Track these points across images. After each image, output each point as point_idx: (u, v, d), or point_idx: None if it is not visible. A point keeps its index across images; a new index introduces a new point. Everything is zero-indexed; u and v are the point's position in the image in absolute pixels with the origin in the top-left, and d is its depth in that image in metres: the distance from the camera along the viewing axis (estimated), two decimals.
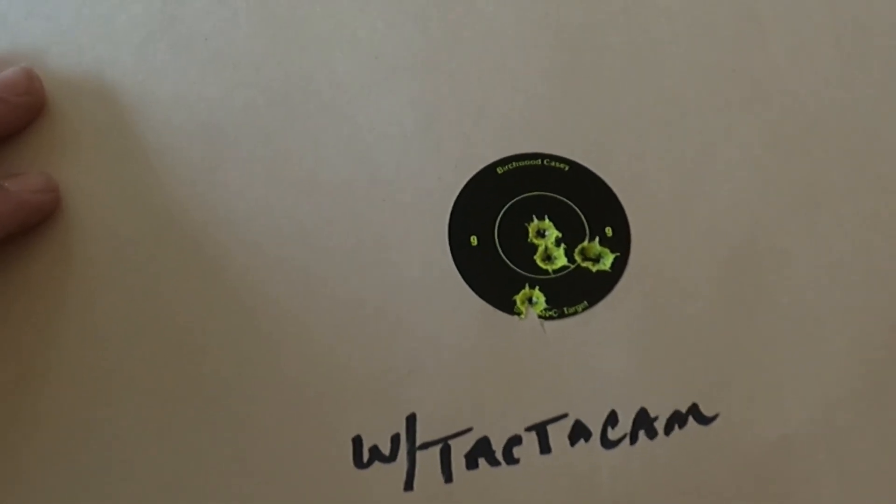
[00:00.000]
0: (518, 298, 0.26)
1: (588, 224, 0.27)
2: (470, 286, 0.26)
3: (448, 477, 0.24)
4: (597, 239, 0.26)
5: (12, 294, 0.25)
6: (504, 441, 0.24)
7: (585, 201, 0.27)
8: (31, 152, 0.26)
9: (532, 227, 0.26)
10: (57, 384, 0.24)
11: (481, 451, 0.24)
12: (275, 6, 0.29)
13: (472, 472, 0.24)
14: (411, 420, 0.24)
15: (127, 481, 0.23)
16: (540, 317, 0.25)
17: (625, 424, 0.24)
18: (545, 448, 0.24)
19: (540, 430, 0.24)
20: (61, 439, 0.23)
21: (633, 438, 0.24)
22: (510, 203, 0.27)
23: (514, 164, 0.27)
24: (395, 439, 0.24)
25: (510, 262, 0.26)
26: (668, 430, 0.24)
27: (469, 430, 0.24)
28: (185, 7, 0.28)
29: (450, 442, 0.24)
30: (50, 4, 0.28)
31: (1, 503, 0.23)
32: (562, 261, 0.26)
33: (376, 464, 0.24)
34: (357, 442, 0.24)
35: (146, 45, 0.28)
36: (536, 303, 0.26)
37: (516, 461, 0.24)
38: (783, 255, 0.26)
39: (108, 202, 0.26)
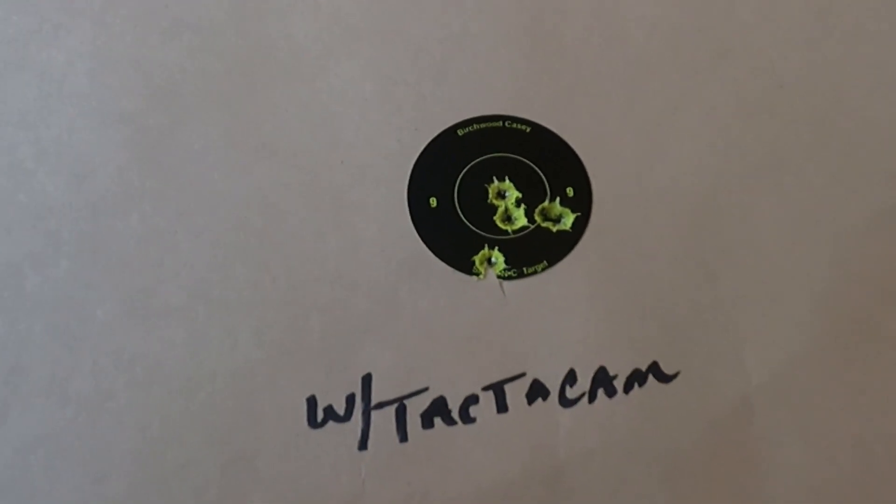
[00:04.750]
0: (477, 259, 0.25)
1: (549, 184, 0.26)
2: (428, 247, 0.25)
3: (403, 436, 0.23)
4: (557, 199, 0.26)
5: None
6: (460, 400, 0.24)
7: (547, 162, 0.26)
8: None
9: (492, 188, 0.26)
10: None
11: (437, 411, 0.23)
12: None
13: (428, 432, 0.23)
14: (367, 380, 0.24)
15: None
16: (499, 277, 0.25)
17: (583, 383, 0.24)
18: (502, 407, 0.24)
19: (497, 389, 0.24)
20: None
21: (592, 397, 0.24)
22: (470, 164, 0.26)
23: (475, 125, 0.27)
24: (350, 399, 0.23)
25: (469, 222, 0.26)
26: (627, 388, 0.24)
27: (425, 389, 0.24)
28: None
29: (405, 401, 0.24)
30: None
31: None
32: (522, 221, 0.26)
33: (330, 423, 0.23)
34: (311, 402, 0.23)
35: (106, 11, 0.28)
36: (496, 263, 0.25)
37: (473, 420, 0.23)
38: (746, 215, 0.26)
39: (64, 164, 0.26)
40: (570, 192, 0.26)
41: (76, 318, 0.24)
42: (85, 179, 0.26)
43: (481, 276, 0.25)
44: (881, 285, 0.25)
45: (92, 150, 0.26)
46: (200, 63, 0.28)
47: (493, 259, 0.25)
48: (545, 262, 0.25)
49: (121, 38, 0.28)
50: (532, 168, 0.26)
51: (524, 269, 0.25)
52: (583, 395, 0.24)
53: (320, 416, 0.23)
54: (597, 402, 0.24)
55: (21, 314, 0.24)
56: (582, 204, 0.26)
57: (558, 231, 0.26)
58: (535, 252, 0.25)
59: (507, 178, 0.26)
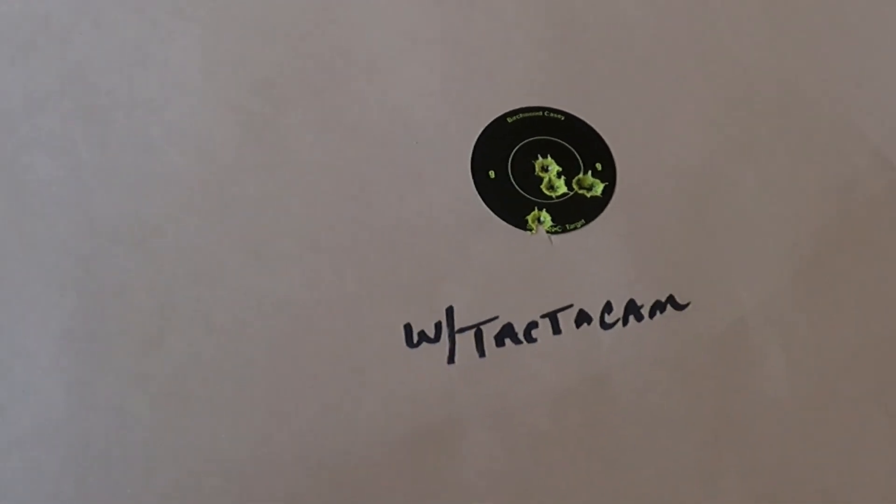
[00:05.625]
0: (529, 218, 0.32)
1: (582, 161, 0.33)
2: (490, 209, 0.32)
3: (482, 353, 0.30)
4: (589, 172, 0.33)
5: None
6: (524, 326, 0.30)
7: (579, 143, 0.33)
8: None
9: (538, 163, 0.33)
10: None
11: (507, 334, 0.30)
12: None
13: (500, 349, 0.30)
14: (450, 311, 0.30)
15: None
16: (547, 232, 0.32)
17: (618, 311, 0.31)
18: (556, 330, 0.30)
19: (552, 316, 0.30)
20: None
21: (625, 322, 0.31)
22: (519, 145, 0.33)
23: (521, 115, 0.34)
24: (438, 326, 0.30)
25: (521, 190, 0.32)
26: (651, 314, 0.31)
27: (496, 317, 0.30)
28: None
29: (481, 327, 0.30)
30: None
31: None
32: (562, 189, 0.33)
33: (424, 344, 0.29)
34: (408, 328, 0.29)
35: (213, 18, 0.34)
36: (544, 221, 0.32)
37: (534, 340, 0.30)
38: (731, 182, 0.33)
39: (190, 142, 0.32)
40: (598, 166, 0.33)
41: (214, 264, 0.30)
42: (208, 155, 0.32)
43: (533, 232, 0.32)
44: (835, 232, 0.33)
45: (212, 131, 0.32)
46: (294, 63, 0.34)
47: (541, 218, 0.32)
48: (583, 220, 0.32)
49: (228, 36, 0.34)
50: (568, 148, 0.33)
51: (567, 225, 0.32)
52: (618, 320, 0.31)
53: (415, 338, 0.29)
54: (629, 325, 0.31)
55: (166, 262, 0.30)
56: (609, 175, 0.33)
57: (591, 196, 0.33)
58: (574, 213, 0.32)
59: (549, 155, 0.33)
